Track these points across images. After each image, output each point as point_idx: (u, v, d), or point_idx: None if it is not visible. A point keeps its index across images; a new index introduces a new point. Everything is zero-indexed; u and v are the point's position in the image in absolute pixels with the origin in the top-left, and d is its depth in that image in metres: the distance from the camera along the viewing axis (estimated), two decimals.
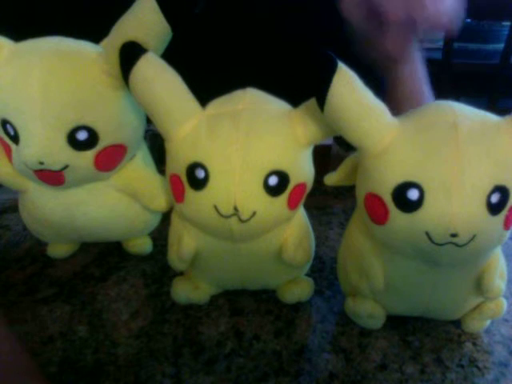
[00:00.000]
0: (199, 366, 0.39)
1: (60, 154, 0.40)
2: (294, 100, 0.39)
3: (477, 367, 0.39)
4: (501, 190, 0.31)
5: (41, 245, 0.53)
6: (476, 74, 1.53)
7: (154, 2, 0.37)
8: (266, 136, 0.36)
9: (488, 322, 0.42)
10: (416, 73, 0.65)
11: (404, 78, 0.63)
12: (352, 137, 0.34)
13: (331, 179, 0.40)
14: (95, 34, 0.42)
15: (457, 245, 0.32)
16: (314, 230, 0.45)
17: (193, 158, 0.36)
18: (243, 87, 0.39)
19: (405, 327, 0.43)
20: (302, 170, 0.38)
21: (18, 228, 0.58)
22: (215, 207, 0.36)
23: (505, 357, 0.40)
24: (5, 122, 0.40)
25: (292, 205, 0.38)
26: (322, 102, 0.33)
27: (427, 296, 0.39)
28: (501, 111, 0.36)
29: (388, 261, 0.38)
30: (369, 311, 0.41)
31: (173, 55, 0.39)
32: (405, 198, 0.32)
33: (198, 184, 0.36)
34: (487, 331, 0.42)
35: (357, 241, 0.40)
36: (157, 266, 0.51)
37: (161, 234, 0.54)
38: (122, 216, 0.48)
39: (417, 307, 0.41)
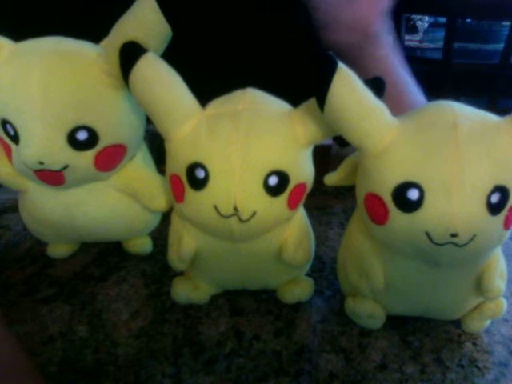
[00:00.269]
0: (199, 366, 0.39)
1: (60, 154, 0.40)
2: (294, 100, 0.39)
3: (477, 367, 0.39)
4: (501, 190, 0.31)
5: (41, 245, 0.53)
6: (476, 74, 1.53)
7: (154, 2, 0.37)
8: (266, 136, 0.36)
9: (488, 322, 0.42)
10: (391, 55, 0.61)
11: (379, 59, 0.59)
12: (352, 137, 0.34)
13: (331, 179, 0.40)
14: (95, 34, 0.42)
15: (457, 245, 0.32)
16: (314, 230, 0.45)
17: (193, 157, 0.36)
18: (243, 87, 0.39)
19: (405, 327, 0.43)
20: (302, 170, 0.38)
21: (17, 228, 0.58)
22: (215, 207, 0.36)
23: (505, 357, 0.40)
24: (5, 122, 0.40)
25: (292, 205, 0.38)
26: (321, 102, 0.33)
27: (427, 296, 0.39)
28: (501, 111, 0.36)
29: (388, 261, 0.38)
30: (369, 311, 0.41)
31: (173, 55, 0.39)
32: (405, 198, 0.32)
33: (198, 184, 0.36)
34: (487, 331, 0.42)
35: (357, 241, 0.40)
36: (157, 266, 0.51)
37: (161, 234, 0.54)
38: (122, 216, 0.48)
39: (417, 307, 0.41)
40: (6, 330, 0.35)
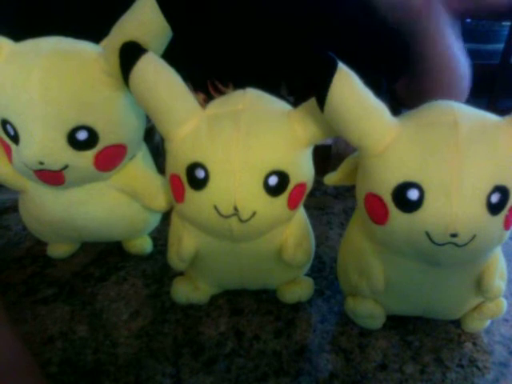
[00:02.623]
0: (199, 366, 0.39)
1: (60, 154, 0.40)
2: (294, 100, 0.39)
3: (477, 367, 0.39)
4: (501, 189, 0.31)
5: (41, 245, 0.53)
6: (476, 74, 1.53)
7: (154, 2, 0.37)
8: (266, 136, 0.36)
9: (488, 322, 0.42)
10: (444, 27, 0.63)
11: (431, 32, 0.61)
12: (352, 137, 0.34)
13: (331, 179, 0.40)
14: (95, 34, 0.42)
15: (457, 245, 0.32)
16: (314, 230, 0.45)
17: (193, 158, 0.36)
18: (243, 87, 0.39)
19: (405, 327, 0.43)
20: (302, 170, 0.38)
21: (18, 228, 0.58)
22: (215, 207, 0.36)
23: (505, 357, 0.40)
24: (5, 122, 0.40)
25: (292, 205, 0.38)
26: (321, 102, 0.33)
27: (427, 296, 0.39)
28: (501, 111, 0.36)
29: (388, 261, 0.38)
30: (369, 311, 0.41)
31: (173, 55, 0.39)
32: (405, 198, 0.32)
33: (198, 184, 0.36)
34: (487, 331, 0.42)
35: (357, 241, 0.40)
36: (157, 266, 0.51)
37: (161, 234, 0.54)
38: (122, 216, 0.48)
39: (417, 307, 0.41)
40: (10, 328, 0.35)
